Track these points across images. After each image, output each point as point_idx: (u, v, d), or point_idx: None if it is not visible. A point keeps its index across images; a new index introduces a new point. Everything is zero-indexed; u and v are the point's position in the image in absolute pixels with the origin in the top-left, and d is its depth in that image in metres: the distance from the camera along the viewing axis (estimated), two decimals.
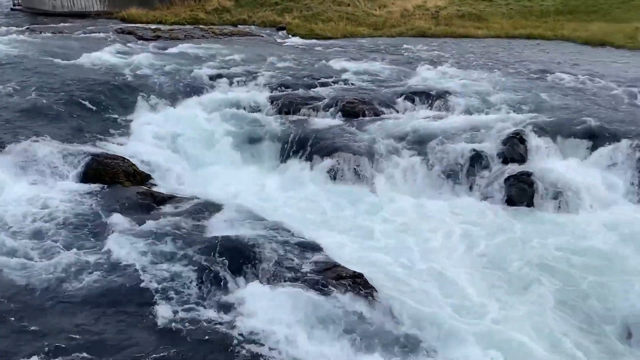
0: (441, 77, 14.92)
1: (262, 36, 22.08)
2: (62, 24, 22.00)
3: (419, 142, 10.76)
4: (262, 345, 5.72)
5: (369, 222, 8.73)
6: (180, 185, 9.76)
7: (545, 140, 10.46)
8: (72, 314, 6.01)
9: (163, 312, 6.06)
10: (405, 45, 20.21)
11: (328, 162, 10.30)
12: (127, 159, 9.89)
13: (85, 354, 5.40)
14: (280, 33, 23.27)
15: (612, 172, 9.82)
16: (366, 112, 12.36)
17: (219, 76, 14.40)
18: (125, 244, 7.15)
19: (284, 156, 11.01)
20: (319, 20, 24.43)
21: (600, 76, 15.37)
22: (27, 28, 21.41)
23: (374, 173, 10.23)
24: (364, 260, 7.56)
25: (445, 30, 22.84)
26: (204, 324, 5.95)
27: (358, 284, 6.82)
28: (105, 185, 9.07)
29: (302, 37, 22.27)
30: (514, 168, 9.85)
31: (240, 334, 5.84)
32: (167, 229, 7.57)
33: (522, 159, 10.10)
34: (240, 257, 7.03)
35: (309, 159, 10.66)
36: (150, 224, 7.67)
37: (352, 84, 14.41)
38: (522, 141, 10.34)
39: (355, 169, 10.18)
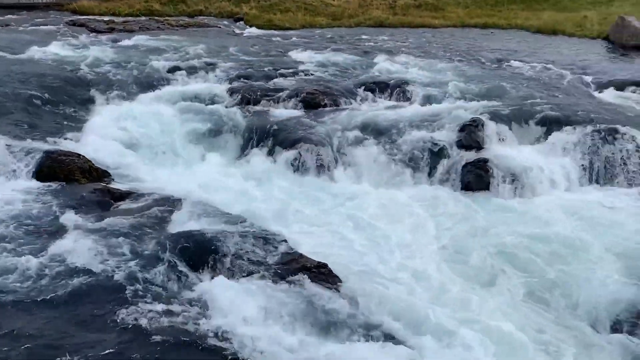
0: (400, 67, 15.06)
1: (220, 27, 21.75)
2: (8, 16, 21.09)
3: (380, 132, 10.85)
4: (227, 339, 5.68)
5: (332, 213, 8.76)
6: (139, 181, 9.55)
7: (501, 127, 10.71)
8: (27, 317, 5.81)
9: (123, 311, 5.92)
10: (363, 36, 20.28)
11: (290, 154, 10.28)
12: (83, 156, 9.61)
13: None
14: (238, 24, 22.96)
15: (566, 157, 10.14)
16: (327, 103, 12.37)
17: (177, 69, 14.12)
18: (82, 242, 6.95)
19: (245, 148, 10.92)
20: (277, 11, 24.23)
21: (553, 64, 15.85)
22: None
23: (336, 164, 10.27)
24: (328, 251, 7.59)
25: (402, 20, 23.10)
26: (167, 321, 5.85)
27: (323, 273, 6.86)
28: (60, 183, 8.81)
29: (260, 27, 22.03)
30: (471, 155, 10.05)
31: (205, 329, 5.78)
32: (126, 225, 7.42)
33: (479, 146, 10.32)
34: (202, 252, 6.96)
35: (271, 150, 10.61)
36: (108, 221, 7.49)
37: (312, 74, 14.38)
38: (479, 128, 10.56)
39: (317, 159, 10.19)
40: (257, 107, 12.23)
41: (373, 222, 8.37)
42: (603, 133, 10.27)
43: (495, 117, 10.93)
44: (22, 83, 12.21)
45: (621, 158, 9.93)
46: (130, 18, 22.91)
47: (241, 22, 23.16)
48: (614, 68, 15.59)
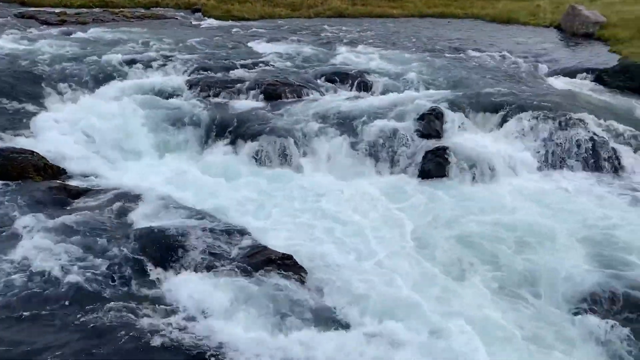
0: (361, 57, 15.12)
1: (177, 18, 21.34)
2: None
3: (341, 123, 10.88)
4: (193, 334, 5.63)
5: (296, 205, 8.75)
6: (97, 177, 9.31)
7: (459, 115, 10.91)
8: None
9: (86, 312, 5.79)
10: (323, 26, 20.25)
11: (252, 146, 10.20)
12: (37, 153, 9.30)
13: None
14: (195, 15, 22.57)
15: (521, 143, 10.41)
16: (288, 94, 12.32)
17: (133, 61, 13.77)
18: (38, 242, 6.74)
19: (206, 142, 10.78)
20: (235, 2, 23.94)
21: (508, 51, 16.23)
22: None
23: (298, 155, 10.26)
24: (293, 243, 7.58)
25: (362, 10, 23.24)
26: (131, 320, 5.75)
27: (288, 265, 6.86)
28: (13, 182, 8.50)
29: (219, 18, 21.73)
30: (430, 144, 10.20)
31: (170, 326, 5.71)
32: (84, 223, 7.23)
33: (438, 135, 10.48)
34: (165, 248, 6.86)
35: (233, 143, 10.51)
36: (65, 220, 7.28)
37: (273, 65, 14.28)
38: (438, 117, 10.72)
39: (280, 151, 10.16)
40: (218, 99, 12.08)
41: (337, 213, 8.40)
42: (557, 119, 10.59)
43: (454, 105, 11.11)
44: None
45: (575, 143, 10.26)
46: (83, 10, 22.21)
47: (199, 13, 22.78)
48: (566, 56, 16.07)
